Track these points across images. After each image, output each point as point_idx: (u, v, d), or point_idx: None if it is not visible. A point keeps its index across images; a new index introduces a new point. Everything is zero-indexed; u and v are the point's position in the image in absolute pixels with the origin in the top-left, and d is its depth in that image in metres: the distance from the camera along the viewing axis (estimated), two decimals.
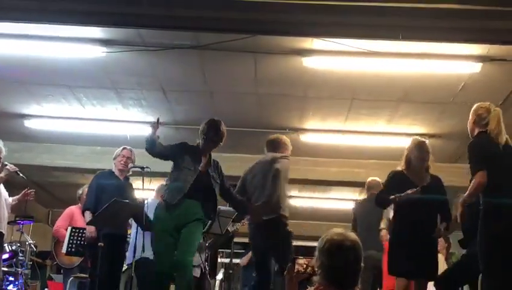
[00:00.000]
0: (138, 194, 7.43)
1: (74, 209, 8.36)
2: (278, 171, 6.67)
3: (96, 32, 7.58)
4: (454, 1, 5.78)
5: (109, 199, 6.69)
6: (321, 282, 3.39)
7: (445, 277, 6.14)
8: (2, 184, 7.35)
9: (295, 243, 6.91)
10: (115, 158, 7.36)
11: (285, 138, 7.14)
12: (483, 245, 5.06)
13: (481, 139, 5.37)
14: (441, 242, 9.76)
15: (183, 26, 6.64)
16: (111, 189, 7.01)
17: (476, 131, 5.43)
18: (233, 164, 11.81)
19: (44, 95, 9.84)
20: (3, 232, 7.38)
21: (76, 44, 7.90)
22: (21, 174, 7.35)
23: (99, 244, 6.80)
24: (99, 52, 7.97)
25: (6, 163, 7.19)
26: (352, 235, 3.43)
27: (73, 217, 8.20)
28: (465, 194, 5.30)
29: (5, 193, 7.51)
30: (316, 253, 3.44)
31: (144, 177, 7.10)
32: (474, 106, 5.54)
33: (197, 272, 8.74)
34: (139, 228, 7.29)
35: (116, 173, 7.28)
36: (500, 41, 6.86)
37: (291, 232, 6.70)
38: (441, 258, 9.27)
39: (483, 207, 5.12)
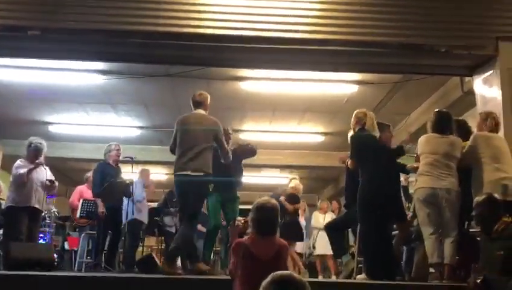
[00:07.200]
0: (128, 176, 7.40)
1: (82, 187, 8.23)
2: None
3: (98, 65, 7.53)
4: (337, 44, 5.88)
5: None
6: (252, 232, 3.53)
7: (333, 224, 6.35)
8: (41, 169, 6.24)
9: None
10: (109, 152, 6.95)
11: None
12: (360, 206, 5.13)
13: (360, 134, 5.36)
14: (335, 205, 10.01)
15: (157, 61, 6.58)
16: (111, 175, 6.84)
17: (357, 128, 5.40)
18: None
19: (62, 108, 9.71)
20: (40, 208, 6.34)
21: (84, 73, 7.84)
22: None
23: (103, 212, 6.72)
24: (100, 79, 7.93)
25: None
26: (273, 201, 3.57)
27: (82, 193, 8.09)
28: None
29: (41, 177, 6.28)
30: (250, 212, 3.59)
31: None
32: (355, 112, 5.48)
33: None
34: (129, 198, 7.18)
35: (111, 163, 6.95)
36: (368, 70, 6.98)
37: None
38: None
39: (361, 181, 5.15)
